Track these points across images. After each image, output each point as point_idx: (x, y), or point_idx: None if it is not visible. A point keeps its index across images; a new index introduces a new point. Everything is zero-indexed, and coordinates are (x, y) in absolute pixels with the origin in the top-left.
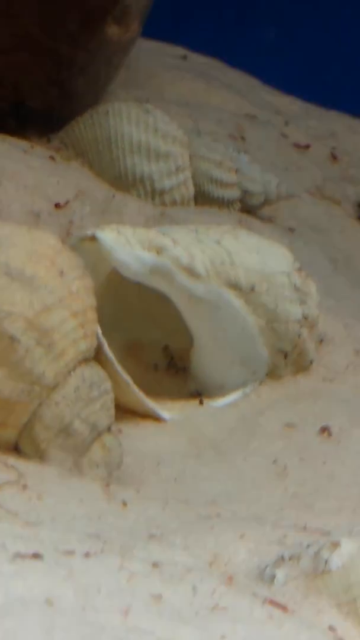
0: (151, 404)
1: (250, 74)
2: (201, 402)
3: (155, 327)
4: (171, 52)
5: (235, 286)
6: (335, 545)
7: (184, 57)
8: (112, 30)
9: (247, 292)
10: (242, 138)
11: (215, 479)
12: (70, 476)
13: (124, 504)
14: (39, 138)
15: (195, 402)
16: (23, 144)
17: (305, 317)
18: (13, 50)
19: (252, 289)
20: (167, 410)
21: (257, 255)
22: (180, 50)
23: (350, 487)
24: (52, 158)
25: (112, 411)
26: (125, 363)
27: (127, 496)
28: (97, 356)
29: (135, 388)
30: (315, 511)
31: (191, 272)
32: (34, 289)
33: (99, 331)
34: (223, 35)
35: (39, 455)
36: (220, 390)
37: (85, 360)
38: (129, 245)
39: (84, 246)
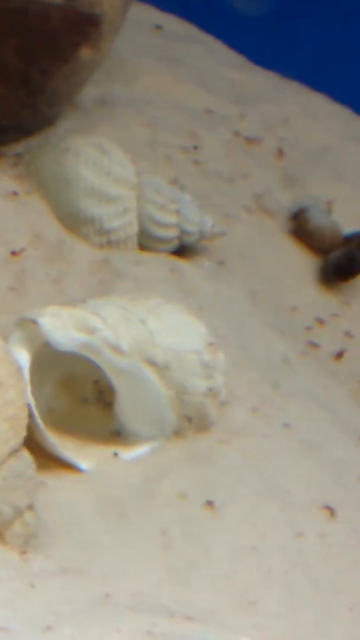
0: (71, 458)
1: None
2: (115, 454)
3: (87, 363)
4: (146, 20)
5: (152, 363)
6: None
7: (158, 28)
8: (84, 54)
9: (162, 369)
10: (195, 147)
11: (113, 547)
12: None
13: (32, 585)
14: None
15: (111, 451)
16: None
17: (210, 389)
18: None
19: (167, 366)
20: (86, 458)
21: (174, 335)
22: (156, 15)
23: (219, 564)
24: (15, 194)
25: (33, 492)
26: (59, 396)
27: (37, 568)
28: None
29: (58, 449)
30: (188, 588)
31: (117, 350)
32: None
33: (32, 404)
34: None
35: None
36: (135, 438)
37: (14, 452)
38: (64, 328)
39: (27, 325)
